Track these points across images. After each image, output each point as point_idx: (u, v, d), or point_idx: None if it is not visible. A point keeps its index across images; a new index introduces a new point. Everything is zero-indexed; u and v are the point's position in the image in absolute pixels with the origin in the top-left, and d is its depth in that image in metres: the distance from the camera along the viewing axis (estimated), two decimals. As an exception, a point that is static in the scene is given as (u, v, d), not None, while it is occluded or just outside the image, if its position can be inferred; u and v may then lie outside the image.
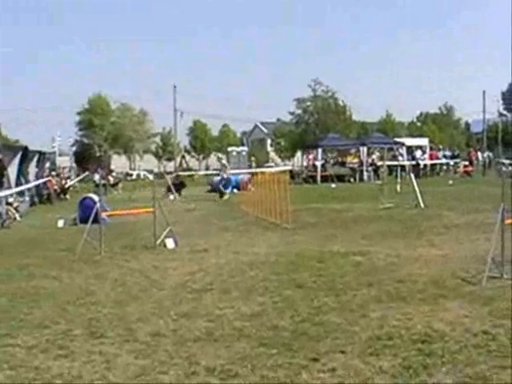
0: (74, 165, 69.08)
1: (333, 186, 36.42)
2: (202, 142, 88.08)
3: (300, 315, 7.41)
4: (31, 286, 9.71)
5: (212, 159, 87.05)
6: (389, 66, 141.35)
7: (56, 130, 76.74)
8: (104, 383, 5.50)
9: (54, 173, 37.23)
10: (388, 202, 21.10)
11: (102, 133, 74.07)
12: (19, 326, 7.40)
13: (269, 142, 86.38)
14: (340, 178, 41.26)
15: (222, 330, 6.92)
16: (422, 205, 19.97)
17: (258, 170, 37.33)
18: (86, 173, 48.13)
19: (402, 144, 49.25)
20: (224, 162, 31.74)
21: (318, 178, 42.55)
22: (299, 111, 63.77)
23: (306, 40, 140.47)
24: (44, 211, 25.77)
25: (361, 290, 8.60)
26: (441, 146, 57.79)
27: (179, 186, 35.23)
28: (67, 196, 34.00)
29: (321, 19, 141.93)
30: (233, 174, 32.63)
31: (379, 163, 43.44)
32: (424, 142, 53.95)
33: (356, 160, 46.96)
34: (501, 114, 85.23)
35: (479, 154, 54.99)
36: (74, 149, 77.74)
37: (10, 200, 22.28)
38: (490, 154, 57.92)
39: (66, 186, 35.69)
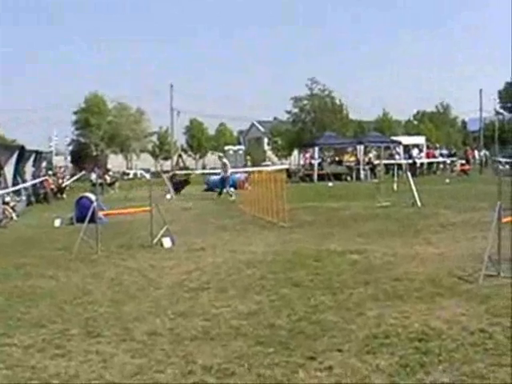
0: (70, 164, 69.08)
1: (330, 184, 36.48)
2: (198, 140, 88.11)
3: (297, 314, 7.40)
4: (28, 286, 9.69)
5: (209, 158, 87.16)
6: (387, 66, 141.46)
7: (53, 130, 76.81)
8: (101, 382, 5.49)
9: (50, 172, 37.16)
10: (385, 200, 21.12)
11: (98, 132, 74.12)
12: (16, 325, 7.38)
13: (266, 140, 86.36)
14: (337, 177, 41.28)
15: (218, 329, 6.91)
16: (418, 203, 19.99)
17: (255, 168, 37.27)
18: (83, 172, 48.07)
19: (399, 142, 49.34)
20: (225, 160, 31.68)
21: (315, 177, 42.57)
22: (296, 110, 63.82)
23: (307, 40, 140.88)
24: (41, 210, 25.73)
25: (357, 289, 8.60)
26: (437, 145, 57.85)
27: (183, 183, 35.41)
28: (64, 195, 33.94)
29: (321, 19, 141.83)
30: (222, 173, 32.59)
31: (376, 162, 43.52)
32: (421, 140, 54.07)
33: (353, 158, 47.02)
34: (497, 113, 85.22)
35: (476, 152, 55.04)
36: (70, 148, 77.82)
37: (7, 199, 22.25)
38: (487, 153, 58.00)
39: (63, 185, 35.62)
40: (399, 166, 40.59)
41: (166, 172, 51.67)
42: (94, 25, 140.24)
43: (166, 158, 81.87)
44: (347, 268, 10.15)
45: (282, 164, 65.94)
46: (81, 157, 71.29)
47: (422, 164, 47.68)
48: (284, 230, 15.36)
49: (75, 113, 75.42)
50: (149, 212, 13.79)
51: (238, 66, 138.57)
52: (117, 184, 41.78)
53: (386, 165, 42.08)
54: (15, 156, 26.87)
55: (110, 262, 11.68)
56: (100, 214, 14.88)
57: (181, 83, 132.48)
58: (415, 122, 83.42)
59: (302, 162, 52.51)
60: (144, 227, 14.71)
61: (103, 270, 10.84)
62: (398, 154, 47.89)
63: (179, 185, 35.17)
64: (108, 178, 41.48)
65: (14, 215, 21.46)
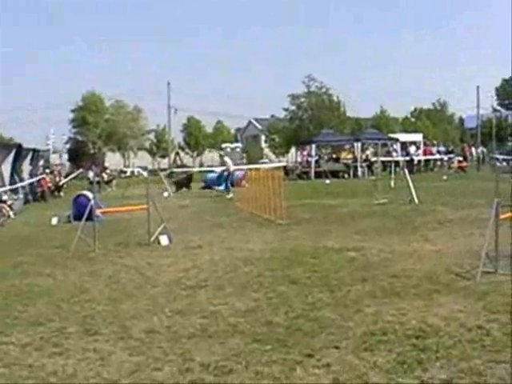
0: (66, 163, 69.02)
1: (327, 181, 36.47)
2: (196, 138, 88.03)
3: (294, 311, 7.40)
4: (25, 284, 9.69)
5: (206, 156, 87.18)
6: (386, 65, 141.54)
7: (50, 128, 76.79)
8: (98, 380, 5.49)
9: (47, 170, 37.14)
10: (382, 197, 21.13)
11: (95, 130, 74.05)
12: (13, 323, 7.38)
13: (263, 138, 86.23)
14: (334, 174, 41.23)
15: (216, 327, 6.91)
16: (416, 200, 19.98)
17: (251, 166, 37.28)
18: (80, 170, 48.06)
19: (396, 140, 49.34)
20: (226, 158, 31.67)
21: (312, 174, 42.55)
22: (293, 107, 63.70)
23: (308, 40, 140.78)
24: (38, 209, 25.73)
25: (355, 286, 8.60)
26: (435, 142, 57.85)
27: (187, 180, 35.51)
28: (61, 193, 33.93)
29: (323, 19, 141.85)
30: (223, 171, 32.59)
31: (373, 159, 43.52)
32: (418, 137, 54.04)
33: (350, 156, 46.97)
34: (495, 110, 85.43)
35: (473, 149, 55.14)
36: (68, 146, 77.79)
37: (4, 198, 22.25)
38: (484, 150, 58.08)
39: (60, 183, 35.60)
40: (396, 163, 40.59)
41: (164, 170, 51.73)
42: (93, 25, 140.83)
43: (163, 156, 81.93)
44: (345, 265, 10.15)
45: (279, 161, 65.88)
46: (78, 155, 71.24)
47: (419, 161, 47.68)
48: (281, 228, 15.36)
49: (72, 111, 75.39)
50: (146, 210, 13.78)
51: (238, 66, 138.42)
52: (114, 182, 41.79)
53: (383, 162, 41.99)
54: (12, 154, 26.86)
55: (107, 260, 11.68)
56: (97, 211, 14.89)
57: (178, 81, 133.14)
58: (412, 119, 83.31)
59: (299, 160, 52.46)
60: (141, 225, 14.70)
61: (100, 268, 10.84)
62: (396, 151, 47.87)
63: (183, 182, 35.40)
64: (105, 176, 41.53)
65: (11, 213, 21.44)
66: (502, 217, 9.33)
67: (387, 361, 5.60)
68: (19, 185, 27.07)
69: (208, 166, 60.40)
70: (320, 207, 20.36)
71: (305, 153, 49.29)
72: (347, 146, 48.87)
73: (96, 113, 74.46)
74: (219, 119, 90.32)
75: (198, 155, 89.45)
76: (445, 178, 35.34)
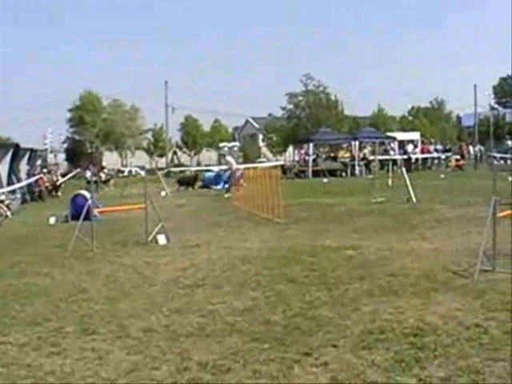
0: (61, 162, 68.91)
1: (324, 180, 36.46)
2: (193, 137, 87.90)
3: (292, 310, 7.41)
4: (23, 284, 9.68)
5: (204, 155, 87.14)
6: (384, 64, 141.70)
7: (47, 128, 76.70)
8: (96, 380, 5.48)
9: (45, 170, 37.10)
10: (380, 196, 21.14)
11: (93, 129, 73.96)
12: (11, 323, 7.37)
13: (260, 137, 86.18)
14: (332, 173, 41.21)
15: (214, 326, 6.91)
16: (413, 199, 19.99)
17: (249, 165, 37.28)
18: (78, 169, 48.02)
19: (394, 138, 49.39)
20: (228, 157, 31.70)
21: (310, 173, 42.56)
22: (291, 106, 63.67)
23: (309, 40, 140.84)
24: (35, 208, 25.71)
25: (353, 284, 8.60)
26: (432, 140, 57.93)
27: (193, 180, 35.66)
28: (59, 193, 33.89)
29: (325, 19, 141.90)
30: (225, 170, 32.62)
31: (371, 157, 43.61)
32: (415, 136, 54.14)
33: (348, 154, 47.00)
34: (492, 108, 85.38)
35: (471, 147, 55.09)
36: (65, 146, 77.72)
37: (2, 198, 22.21)
38: (482, 148, 58.03)
39: (58, 183, 35.56)
40: (394, 161, 40.66)
41: (161, 169, 51.74)
42: (94, 25, 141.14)
43: (160, 155, 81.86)
44: (342, 264, 10.15)
45: (276, 160, 65.91)
46: (76, 154, 71.18)
47: (416, 159, 47.77)
48: (279, 226, 15.36)
49: (70, 110, 75.29)
50: (144, 209, 13.78)
51: (239, 65, 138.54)
52: (112, 181, 41.75)
53: (380, 160, 42.16)
54: (10, 154, 26.81)
55: (105, 260, 11.67)
56: (95, 211, 14.88)
57: (178, 81, 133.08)
58: (410, 118, 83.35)
59: (296, 158, 52.47)
60: (139, 224, 14.70)
61: (98, 268, 10.83)
62: (393, 149, 47.92)
63: (188, 181, 35.68)
64: (103, 176, 41.46)
65: (8, 213, 21.43)
66: (499, 215, 9.34)
67: (385, 359, 5.60)
68: (17, 186, 27.02)
69: (206, 165, 60.40)
70: (318, 206, 20.37)
71: (302, 151, 49.27)
72: (345, 145, 48.91)
73: (93, 112, 74.37)
74: (217, 118, 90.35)
75: (195, 154, 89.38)
76: (442, 176, 35.36)
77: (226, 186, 29.04)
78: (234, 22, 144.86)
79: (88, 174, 40.23)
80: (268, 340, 6.27)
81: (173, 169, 56.82)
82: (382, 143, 50.07)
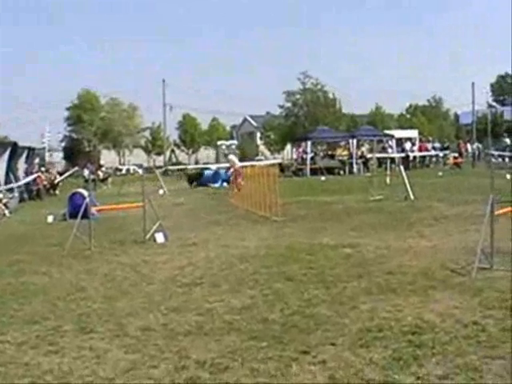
0: (57, 160, 68.89)
1: (322, 178, 36.48)
2: (191, 136, 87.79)
3: (290, 308, 7.40)
4: (21, 282, 9.67)
5: (202, 153, 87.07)
6: (385, 63, 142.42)
7: (45, 126, 76.66)
8: (94, 378, 5.48)
9: (43, 168, 37.07)
10: (378, 194, 21.15)
11: (91, 128, 73.96)
12: (9, 322, 7.37)
13: (258, 135, 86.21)
14: (330, 171, 41.24)
15: (212, 324, 6.91)
16: (411, 197, 20.01)
17: (247, 163, 37.31)
18: (76, 168, 47.98)
19: (392, 136, 49.44)
20: (231, 157, 31.70)
21: (308, 171, 42.53)
22: (288, 104, 63.69)
23: (310, 40, 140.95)
24: (33, 207, 25.69)
25: (351, 282, 8.60)
26: (430, 138, 57.93)
27: (198, 177, 35.85)
28: (57, 191, 33.89)
29: (325, 19, 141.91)
30: (223, 168, 32.69)
31: (369, 155, 43.62)
32: (413, 133, 54.19)
33: (346, 152, 46.98)
34: (490, 106, 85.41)
35: (468, 145, 55.15)
36: (63, 144, 77.70)
37: (0, 196, 22.21)
38: (480, 146, 58.05)
39: (56, 181, 35.55)
40: (392, 159, 40.64)
41: (159, 167, 51.72)
42: (94, 25, 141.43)
43: (158, 154, 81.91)
44: (340, 262, 10.15)
45: (274, 158, 65.95)
46: (73, 153, 71.16)
47: (414, 157, 47.79)
48: (277, 225, 15.36)
49: (68, 109, 75.28)
50: (141, 207, 13.78)
51: (239, 65, 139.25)
52: (109, 180, 41.76)
53: (378, 158, 42.14)
54: (8, 153, 26.79)
55: (103, 258, 11.67)
56: (93, 209, 14.87)
57: (178, 81, 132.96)
58: (408, 116, 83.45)
59: (294, 157, 52.49)
60: (137, 223, 14.70)
61: (96, 266, 10.83)
62: (391, 147, 47.99)
63: (196, 177, 35.93)
64: (101, 174, 41.46)
65: (6, 212, 21.43)
66: (497, 213, 9.34)
67: (383, 357, 5.60)
68: (16, 185, 27.00)
69: (204, 164, 60.34)
70: (315, 204, 20.36)
71: (300, 150, 49.29)
72: (343, 143, 48.91)
73: (91, 111, 74.39)
74: (215, 116, 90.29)
75: (193, 152, 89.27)
76: (440, 174, 35.35)
77: (225, 184, 29.06)
78: (236, 22, 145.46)
79: (86, 172, 40.28)
80: (266, 338, 6.27)
81: (171, 167, 56.84)
82: (380, 141, 50.11)
